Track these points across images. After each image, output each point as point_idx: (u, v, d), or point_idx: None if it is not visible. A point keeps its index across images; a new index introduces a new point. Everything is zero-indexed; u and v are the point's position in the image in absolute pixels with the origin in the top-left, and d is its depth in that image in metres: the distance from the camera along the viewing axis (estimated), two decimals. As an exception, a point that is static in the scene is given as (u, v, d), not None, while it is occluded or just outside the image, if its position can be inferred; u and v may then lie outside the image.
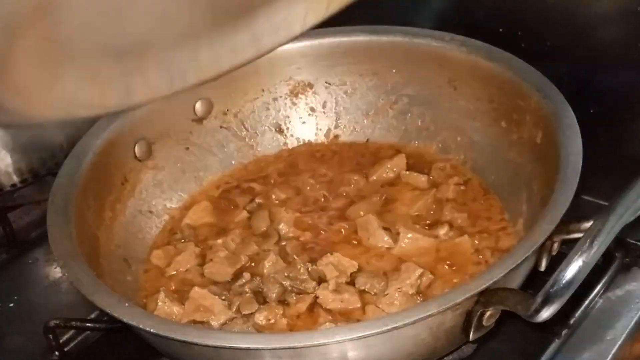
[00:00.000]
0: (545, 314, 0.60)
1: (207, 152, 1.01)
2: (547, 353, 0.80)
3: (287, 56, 1.01)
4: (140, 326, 0.66)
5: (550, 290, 0.59)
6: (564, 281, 0.59)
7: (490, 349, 0.81)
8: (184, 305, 0.80)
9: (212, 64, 0.87)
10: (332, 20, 1.04)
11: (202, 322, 0.78)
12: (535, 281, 0.71)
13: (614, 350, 0.80)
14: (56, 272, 0.99)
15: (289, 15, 0.87)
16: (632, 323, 0.82)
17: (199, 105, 0.99)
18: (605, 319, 0.83)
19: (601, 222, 0.60)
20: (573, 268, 0.59)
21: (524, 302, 0.61)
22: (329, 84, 1.03)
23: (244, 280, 0.82)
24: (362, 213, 0.89)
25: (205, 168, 1.00)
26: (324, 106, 1.04)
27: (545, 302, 0.59)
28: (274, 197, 0.95)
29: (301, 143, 1.04)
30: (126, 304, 0.69)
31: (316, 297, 0.80)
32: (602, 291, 0.86)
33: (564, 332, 0.82)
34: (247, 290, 0.81)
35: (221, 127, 1.01)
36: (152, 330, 0.66)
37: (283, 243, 0.87)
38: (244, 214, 0.93)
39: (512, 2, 0.96)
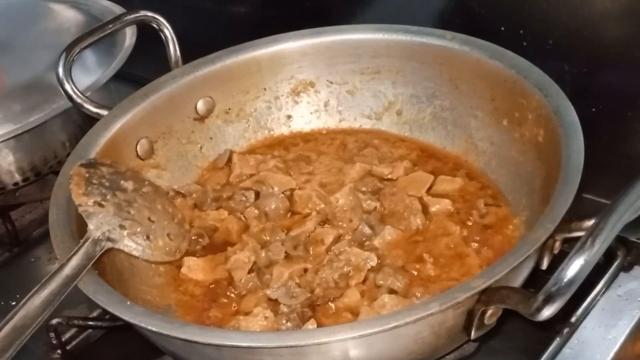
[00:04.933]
0: (547, 312, 0.60)
1: (209, 151, 1.01)
2: (548, 351, 0.80)
3: (288, 55, 1.01)
4: (142, 325, 0.66)
5: (552, 289, 0.59)
6: (565, 280, 0.59)
7: (491, 347, 0.82)
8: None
9: None
10: (333, 19, 1.04)
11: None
12: (537, 280, 0.71)
13: (615, 349, 0.80)
14: (58, 270, 0.99)
15: None
16: (634, 321, 0.82)
17: (200, 104, 1.00)
18: (607, 318, 0.83)
19: (603, 220, 0.60)
20: (574, 266, 0.59)
21: (526, 300, 0.61)
22: (331, 82, 1.03)
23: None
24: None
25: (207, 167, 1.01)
26: (325, 105, 1.04)
27: (547, 300, 0.59)
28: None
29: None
30: (128, 303, 0.69)
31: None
32: (603, 290, 0.86)
33: (566, 330, 0.82)
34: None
35: (223, 126, 1.02)
36: (153, 328, 0.66)
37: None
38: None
39: (513, 0, 0.96)
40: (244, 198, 0.93)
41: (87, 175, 0.83)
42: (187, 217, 0.92)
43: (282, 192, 0.92)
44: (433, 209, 0.88)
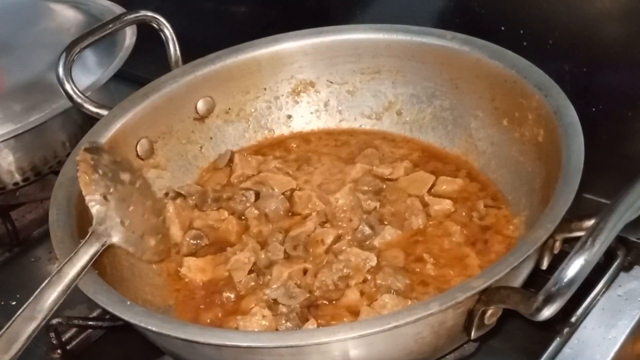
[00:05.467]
0: (547, 312, 0.60)
1: (210, 151, 1.01)
2: (548, 351, 0.80)
3: (288, 54, 1.01)
4: (142, 325, 0.66)
5: (552, 289, 0.59)
6: (565, 280, 0.59)
7: (491, 347, 0.81)
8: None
9: None
10: (333, 19, 1.04)
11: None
12: (537, 279, 0.71)
13: (615, 349, 0.80)
14: (58, 270, 0.99)
15: None
16: (634, 321, 0.82)
17: (200, 104, 1.00)
18: (607, 318, 0.83)
19: (603, 220, 0.60)
20: (575, 266, 0.59)
21: (526, 300, 0.61)
22: (331, 82, 1.02)
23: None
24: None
25: (207, 167, 1.00)
26: (326, 105, 1.04)
27: (547, 300, 0.59)
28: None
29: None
30: (128, 303, 0.69)
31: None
32: (603, 290, 0.86)
33: (566, 330, 0.82)
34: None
35: (223, 126, 1.02)
36: (153, 328, 0.66)
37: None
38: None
39: (513, 0, 0.96)
40: (244, 198, 0.93)
41: (92, 162, 0.83)
42: (187, 218, 0.92)
43: (282, 193, 0.92)
44: (434, 209, 0.88)
